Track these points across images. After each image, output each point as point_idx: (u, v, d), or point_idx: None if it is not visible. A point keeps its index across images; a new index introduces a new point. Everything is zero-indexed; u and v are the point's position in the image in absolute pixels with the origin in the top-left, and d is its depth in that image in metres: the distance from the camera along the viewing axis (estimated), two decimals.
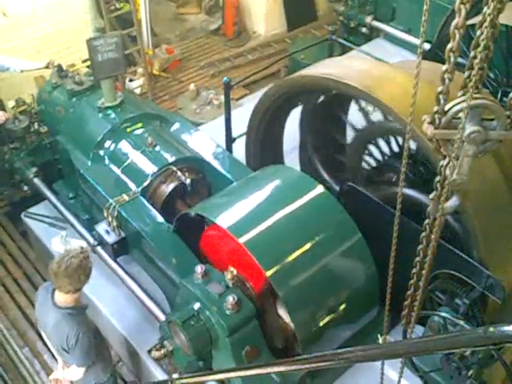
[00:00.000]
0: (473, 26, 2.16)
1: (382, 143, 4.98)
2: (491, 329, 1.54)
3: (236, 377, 3.83)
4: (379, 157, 5.02)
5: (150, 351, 4.69)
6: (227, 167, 5.04)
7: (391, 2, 8.61)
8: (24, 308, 5.89)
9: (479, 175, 3.51)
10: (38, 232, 5.87)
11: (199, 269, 3.82)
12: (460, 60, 2.24)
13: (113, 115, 5.38)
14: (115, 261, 5.00)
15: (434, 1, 6.67)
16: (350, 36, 9.07)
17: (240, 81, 6.58)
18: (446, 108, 2.19)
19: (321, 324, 3.86)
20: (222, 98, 6.21)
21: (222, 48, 9.99)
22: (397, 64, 4.94)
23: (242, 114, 5.58)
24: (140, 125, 5.35)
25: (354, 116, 5.02)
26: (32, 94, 6.31)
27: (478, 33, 2.04)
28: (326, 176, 5.39)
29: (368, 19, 8.89)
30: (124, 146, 5.20)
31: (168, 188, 4.87)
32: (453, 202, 2.40)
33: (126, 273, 4.96)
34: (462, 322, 3.43)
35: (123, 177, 5.03)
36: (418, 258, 2.66)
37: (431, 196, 2.45)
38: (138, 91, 8.58)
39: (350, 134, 5.12)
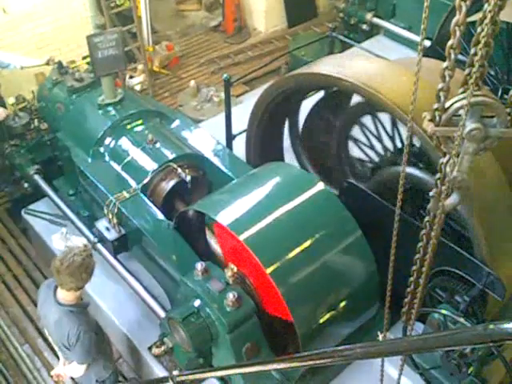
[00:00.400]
0: (473, 22, 2.15)
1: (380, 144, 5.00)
2: (491, 326, 1.54)
3: (236, 374, 3.84)
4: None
5: (150, 348, 4.70)
6: (227, 164, 5.04)
7: None
8: (24, 305, 5.90)
9: (479, 172, 3.51)
10: (39, 229, 5.87)
11: (199, 266, 3.82)
12: (460, 57, 2.23)
13: (113, 112, 5.38)
14: (115, 258, 5.00)
15: None
16: (351, 33, 9.06)
17: (240, 78, 6.57)
18: (447, 105, 2.19)
19: (321, 321, 3.87)
20: (223, 94, 6.20)
21: (222, 45, 9.98)
22: (397, 61, 4.94)
23: (243, 111, 5.57)
24: (140, 122, 5.35)
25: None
26: (32, 91, 6.31)
27: (479, 30, 2.03)
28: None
29: (368, 16, 8.88)
30: (124, 142, 5.20)
31: (168, 185, 4.87)
32: (453, 199, 2.40)
33: (127, 270, 4.96)
34: (462, 320, 3.43)
35: (123, 174, 5.03)
36: (418, 256, 2.66)
37: (431, 193, 2.45)
38: (138, 88, 8.57)
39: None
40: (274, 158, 5.31)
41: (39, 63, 6.06)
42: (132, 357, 5.06)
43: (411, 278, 2.73)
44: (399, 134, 4.86)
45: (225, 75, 5.75)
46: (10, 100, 6.29)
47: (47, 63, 5.95)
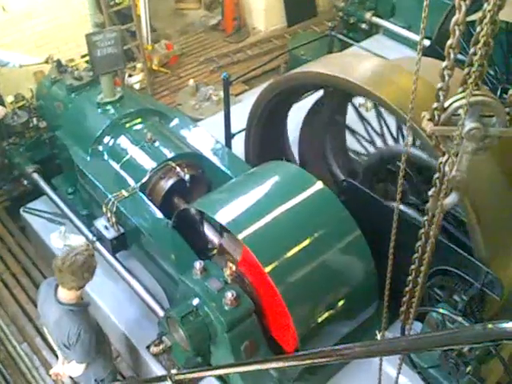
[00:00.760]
0: (473, 22, 2.15)
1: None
2: (490, 325, 1.54)
3: (234, 372, 3.84)
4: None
5: (148, 347, 4.70)
6: (226, 163, 5.04)
7: None
8: (23, 303, 5.89)
9: (478, 171, 3.51)
10: (37, 227, 5.87)
11: (198, 265, 3.82)
12: (459, 56, 2.23)
13: (112, 110, 5.38)
14: (114, 256, 5.00)
15: None
16: (350, 32, 9.06)
17: (239, 76, 6.58)
18: (446, 105, 2.19)
19: (319, 320, 3.87)
20: (222, 93, 6.20)
21: (221, 43, 9.97)
22: (396, 60, 4.93)
23: (242, 110, 5.57)
24: (139, 120, 5.35)
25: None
26: (31, 89, 6.30)
27: (478, 29, 2.03)
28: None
29: (368, 15, 8.88)
30: (123, 141, 5.20)
31: (167, 184, 4.87)
32: (452, 198, 2.40)
33: (125, 268, 4.96)
34: (460, 319, 3.43)
35: (122, 172, 5.03)
36: (416, 255, 2.66)
37: (430, 193, 2.45)
38: (137, 86, 8.57)
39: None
40: (272, 156, 5.31)
41: (38, 61, 6.05)
42: (130, 355, 5.06)
43: (410, 277, 2.73)
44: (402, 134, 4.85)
45: (224, 74, 5.76)
46: (9, 98, 6.29)
47: (46, 61, 5.94)
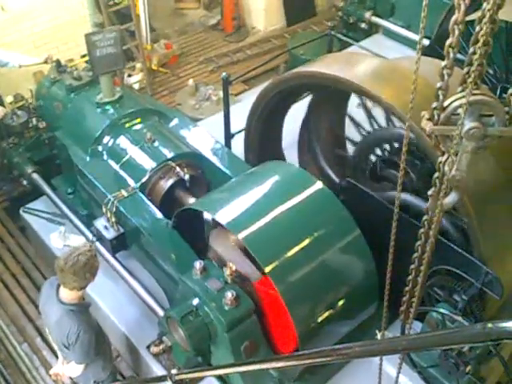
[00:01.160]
0: (472, 21, 2.15)
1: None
2: (489, 325, 1.54)
3: (235, 372, 3.84)
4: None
5: (148, 347, 4.70)
6: (226, 163, 5.03)
7: None
8: (23, 304, 5.89)
9: (477, 171, 3.51)
10: (37, 227, 5.87)
11: (198, 265, 3.82)
12: (459, 56, 2.23)
13: (111, 110, 5.37)
14: (114, 256, 5.00)
15: None
16: (350, 31, 9.06)
17: (239, 76, 6.58)
18: (445, 104, 2.19)
19: (319, 319, 3.87)
20: (221, 93, 6.20)
21: (220, 43, 9.97)
22: (396, 60, 4.93)
23: (241, 110, 5.56)
24: (139, 120, 5.34)
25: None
26: (30, 90, 6.30)
27: (478, 28, 2.03)
28: (329, 171, 5.39)
29: (367, 15, 8.88)
30: (122, 141, 5.20)
31: (167, 184, 4.86)
32: (451, 198, 2.40)
33: (125, 268, 4.96)
34: (460, 318, 3.43)
35: (122, 172, 5.03)
36: (416, 254, 2.66)
37: (430, 192, 2.45)
38: (136, 86, 8.56)
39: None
40: (272, 156, 5.31)
41: (37, 62, 6.05)
42: (130, 355, 5.05)
43: (410, 277, 2.73)
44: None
45: (223, 74, 5.75)
46: (9, 98, 6.29)
47: (45, 62, 5.94)
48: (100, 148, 5.21)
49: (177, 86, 8.91)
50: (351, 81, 3.94)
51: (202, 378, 4.36)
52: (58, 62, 5.87)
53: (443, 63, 2.14)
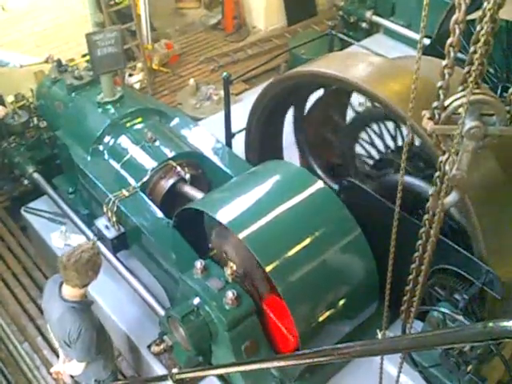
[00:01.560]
0: (473, 20, 2.15)
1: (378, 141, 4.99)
2: (490, 324, 1.54)
3: (235, 372, 3.84)
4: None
5: (149, 346, 4.70)
6: (227, 162, 5.04)
7: None
8: (24, 303, 5.89)
9: (478, 170, 3.51)
10: (38, 227, 5.87)
11: (199, 264, 3.82)
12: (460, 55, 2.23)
13: (112, 110, 5.38)
14: (115, 256, 5.00)
15: None
16: (350, 31, 9.06)
17: (240, 76, 6.58)
18: (446, 103, 2.18)
19: (320, 319, 3.87)
20: (222, 93, 6.19)
21: (221, 43, 9.96)
22: (396, 59, 4.93)
23: (242, 109, 5.57)
24: (139, 120, 5.35)
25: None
26: (31, 89, 6.30)
27: (478, 28, 2.03)
28: (320, 174, 5.41)
29: (368, 14, 8.88)
30: (123, 141, 5.20)
31: (167, 183, 4.87)
32: (452, 197, 2.40)
33: (126, 268, 4.97)
34: (461, 318, 3.43)
35: (123, 172, 5.03)
36: (417, 254, 2.66)
37: (431, 191, 2.44)
38: (137, 86, 8.56)
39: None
40: (273, 156, 5.31)
41: (38, 61, 6.05)
42: (131, 355, 5.06)
43: (410, 276, 2.73)
44: (401, 133, 4.86)
45: (224, 73, 5.75)
46: (9, 98, 6.28)
47: (46, 61, 5.94)
48: (101, 147, 5.21)
49: (177, 86, 8.91)
50: (352, 80, 3.94)
51: (202, 378, 4.36)
52: (58, 61, 5.87)
53: (444, 62, 2.14)
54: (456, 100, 2.16)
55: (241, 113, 5.57)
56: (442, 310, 3.54)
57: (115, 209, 4.74)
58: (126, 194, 4.80)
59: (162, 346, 4.13)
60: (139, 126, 5.29)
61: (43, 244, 5.77)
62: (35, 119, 6.20)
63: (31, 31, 7.66)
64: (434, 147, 2.41)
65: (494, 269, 3.50)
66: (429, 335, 1.90)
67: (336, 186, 4.53)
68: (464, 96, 2.10)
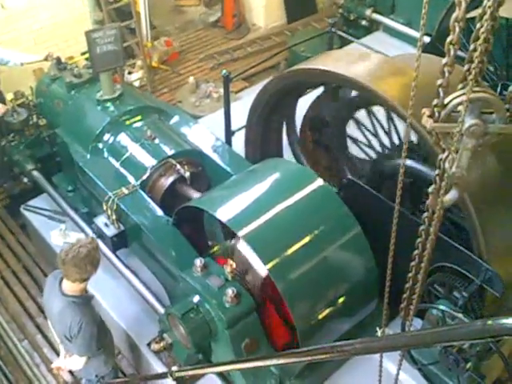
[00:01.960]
0: (473, 18, 2.15)
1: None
2: (490, 321, 1.54)
3: (235, 369, 3.85)
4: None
5: (149, 344, 4.70)
6: (226, 160, 5.04)
7: None
8: (23, 301, 5.90)
9: (478, 168, 3.51)
10: (37, 225, 5.87)
11: (198, 262, 3.82)
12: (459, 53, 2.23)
13: (112, 108, 5.37)
14: (114, 254, 5.00)
15: None
16: (350, 29, 9.04)
17: (239, 73, 6.57)
18: (446, 101, 2.18)
19: (320, 317, 3.87)
20: (222, 90, 6.19)
21: (221, 40, 9.95)
22: (396, 57, 4.93)
23: (242, 107, 5.57)
24: (139, 117, 5.34)
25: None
26: (31, 87, 6.30)
27: (478, 26, 2.03)
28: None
29: (368, 12, 8.87)
30: (123, 138, 5.20)
31: (167, 181, 4.87)
32: (452, 195, 2.40)
33: (126, 266, 4.97)
34: (460, 315, 3.44)
35: (122, 170, 5.03)
36: (416, 252, 2.66)
37: (430, 189, 2.44)
38: (136, 84, 8.56)
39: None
40: (273, 154, 5.31)
41: (37, 59, 6.05)
42: (131, 353, 5.06)
43: (410, 274, 2.73)
44: (396, 130, 4.86)
45: (224, 71, 5.75)
46: (9, 96, 6.28)
47: (46, 59, 5.94)
48: (100, 145, 5.21)
49: (177, 84, 8.90)
50: (351, 77, 3.94)
51: (202, 375, 4.36)
52: (58, 59, 5.87)
53: (444, 60, 2.14)
54: (456, 98, 2.16)
55: (240, 110, 5.56)
56: (442, 307, 3.55)
57: (115, 207, 4.74)
58: (126, 191, 4.80)
59: (161, 344, 4.13)
60: (139, 124, 5.29)
61: (43, 242, 5.77)
62: (35, 117, 6.19)
63: (30, 29, 7.66)
64: (433, 145, 2.41)
65: (493, 267, 3.51)
66: (428, 333, 1.90)
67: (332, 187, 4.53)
68: (464, 94, 2.09)
